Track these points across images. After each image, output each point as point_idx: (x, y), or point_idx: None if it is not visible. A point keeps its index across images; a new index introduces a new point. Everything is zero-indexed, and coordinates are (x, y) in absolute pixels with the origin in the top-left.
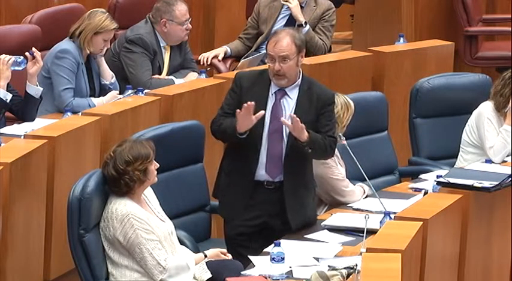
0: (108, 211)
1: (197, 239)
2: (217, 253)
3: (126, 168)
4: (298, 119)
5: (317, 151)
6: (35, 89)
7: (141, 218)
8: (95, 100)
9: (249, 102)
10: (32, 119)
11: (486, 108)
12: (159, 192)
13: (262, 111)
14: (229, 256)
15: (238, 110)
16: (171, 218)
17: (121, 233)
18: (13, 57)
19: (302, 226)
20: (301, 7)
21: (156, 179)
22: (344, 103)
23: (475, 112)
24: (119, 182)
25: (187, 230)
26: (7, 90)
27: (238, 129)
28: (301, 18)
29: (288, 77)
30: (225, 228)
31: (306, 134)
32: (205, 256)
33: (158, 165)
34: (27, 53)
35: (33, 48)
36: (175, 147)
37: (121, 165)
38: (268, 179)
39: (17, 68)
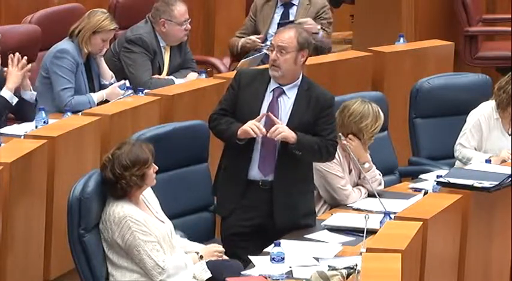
0: (106, 213)
1: (201, 239)
2: (211, 251)
3: (123, 173)
4: (274, 118)
5: (307, 153)
6: (29, 94)
7: (139, 220)
8: (95, 95)
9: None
10: (31, 120)
11: (482, 109)
12: (163, 192)
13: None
14: (223, 255)
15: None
16: (175, 218)
17: (119, 235)
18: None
19: (290, 227)
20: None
21: (154, 181)
22: (374, 115)
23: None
24: (115, 185)
25: (191, 229)
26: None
27: (239, 136)
28: None
29: (283, 71)
30: (221, 228)
31: (294, 136)
32: (201, 257)
33: (157, 168)
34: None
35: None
36: (179, 147)
37: (118, 169)
38: (262, 179)
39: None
